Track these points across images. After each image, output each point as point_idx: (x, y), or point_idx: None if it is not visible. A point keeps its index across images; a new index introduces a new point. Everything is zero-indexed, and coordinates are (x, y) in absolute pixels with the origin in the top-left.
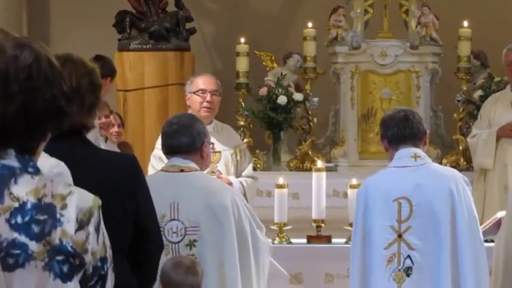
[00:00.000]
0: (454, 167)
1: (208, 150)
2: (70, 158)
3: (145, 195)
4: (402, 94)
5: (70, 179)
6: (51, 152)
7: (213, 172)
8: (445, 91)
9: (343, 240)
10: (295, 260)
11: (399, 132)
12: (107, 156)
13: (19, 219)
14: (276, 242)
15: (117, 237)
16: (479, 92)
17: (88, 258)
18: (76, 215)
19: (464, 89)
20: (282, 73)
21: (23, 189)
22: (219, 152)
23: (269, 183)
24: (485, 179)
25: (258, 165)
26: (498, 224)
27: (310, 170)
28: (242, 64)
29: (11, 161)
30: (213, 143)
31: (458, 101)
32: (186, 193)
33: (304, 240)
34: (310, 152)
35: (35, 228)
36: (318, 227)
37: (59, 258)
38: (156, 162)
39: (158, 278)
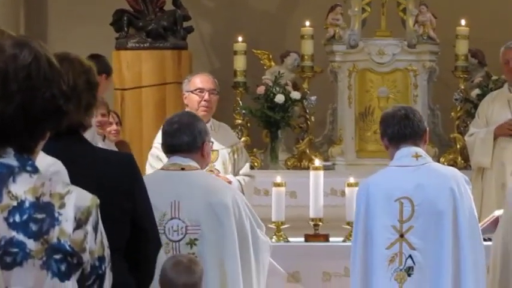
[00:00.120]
0: (451, 165)
1: (209, 149)
2: (67, 157)
3: (142, 194)
4: (400, 93)
5: (67, 178)
6: (49, 151)
7: (211, 171)
8: (442, 90)
9: (341, 239)
10: (293, 259)
11: (400, 131)
12: (105, 155)
13: (17, 218)
14: (273, 240)
15: (115, 237)
16: (476, 91)
17: (86, 257)
18: (74, 214)
19: (462, 87)
20: (279, 72)
21: (22, 187)
22: (217, 150)
23: (267, 182)
24: (483, 177)
25: (256, 164)
26: (496, 222)
27: (307, 168)
28: (239, 63)
29: (10, 159)
30: (212, 142)
31: (456, 99)
32: (186, 192)
33: (302, 239)
34: (307, 151)
35: (33, 227)
36: (316, 225)
37: (57, 257)
38: (154, 160)
39: (158, 276)
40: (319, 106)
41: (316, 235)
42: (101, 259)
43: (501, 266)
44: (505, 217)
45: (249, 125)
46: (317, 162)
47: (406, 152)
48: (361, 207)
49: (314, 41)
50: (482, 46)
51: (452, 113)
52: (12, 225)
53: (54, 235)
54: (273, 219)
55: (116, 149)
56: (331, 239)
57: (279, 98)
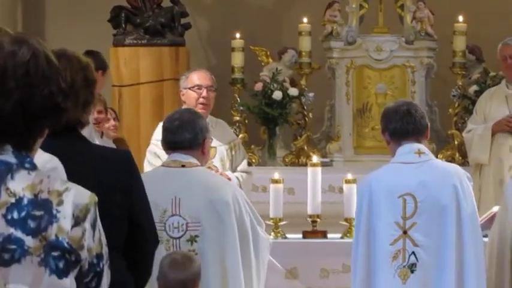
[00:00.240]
0: (449, 161)
1: (209, 146)
2: (65, 154)
3: (140, 191)
4: (397, 89)
5: (64, 174)
6: (46, 148)
7: (209, 168)
8: (440, 86)
9: (339, 235)
10: (291, 255)
11: (402, 127)
12: (102, 152)
13: (15, 215)
14: (271, 237)
15: (113, 234)
16: (474, 87)
17: (84, 254)
18: (72, 211)
19: (460, 83)
20: (277, 68)
21: (20, 184)
22: (215, 147)
23: (264, 179)
24: (481, 173)
25: (254, 161)
26: (493, 219)
27: (305, 165)
28: (237, 59)
29: (8, 156)
30: (212, 138)
31: (454, 95)
32: (187, 188)
33: (300, 236)
34: (305, 147)
35: (31, 224)
36: (314, 222)
37: (55, 254)
38: (152, 157)
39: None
40: (317, 103)
41: (314, 232)
42: (99, 256)
43: (497, 261)
44: (500, 211)
45: (246, 121)
46: (315, 158)
47: (409, 148)
48: (363, 203)
49: (312, 38)
50: (480, 42)
51: (450, 110)
52: (11, 222)
53: (52, 232)
54: (271, 216)
55: (114, 146)
56: (329, 235)
57: (277, 95)
